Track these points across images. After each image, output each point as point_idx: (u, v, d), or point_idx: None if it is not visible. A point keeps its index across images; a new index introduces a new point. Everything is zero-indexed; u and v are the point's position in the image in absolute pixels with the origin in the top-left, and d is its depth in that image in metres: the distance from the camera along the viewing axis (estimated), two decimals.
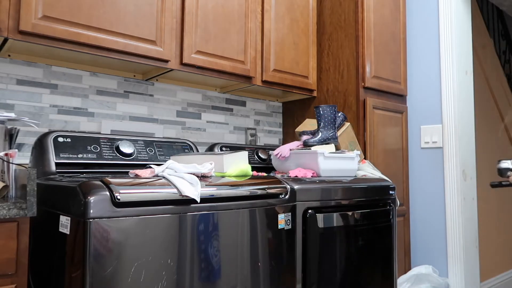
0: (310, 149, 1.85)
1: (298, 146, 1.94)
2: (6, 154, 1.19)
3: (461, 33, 2.50)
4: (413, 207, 2.55)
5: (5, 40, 1.50)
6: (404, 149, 2.49)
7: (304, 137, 1.99)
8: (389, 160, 2.37)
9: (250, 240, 1.35)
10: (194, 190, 1.21)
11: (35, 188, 1.09)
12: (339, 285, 1.62)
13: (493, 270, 3.26)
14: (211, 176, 1.40)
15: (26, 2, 1.44)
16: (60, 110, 1.83)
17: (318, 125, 1.96)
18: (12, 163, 1.19)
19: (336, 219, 1.63)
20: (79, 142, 1.63)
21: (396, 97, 2.51)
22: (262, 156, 2.22)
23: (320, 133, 1.93)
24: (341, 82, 2.36)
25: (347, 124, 2.12)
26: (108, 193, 1.07)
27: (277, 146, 2.21)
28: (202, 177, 1.35)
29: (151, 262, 1.12)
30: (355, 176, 1.91)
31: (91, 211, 1.03)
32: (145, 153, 1.79)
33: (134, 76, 2.04)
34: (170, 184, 1.20)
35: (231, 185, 1.35)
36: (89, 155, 1.62)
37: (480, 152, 3.19)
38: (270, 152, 2.11)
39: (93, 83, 1.92)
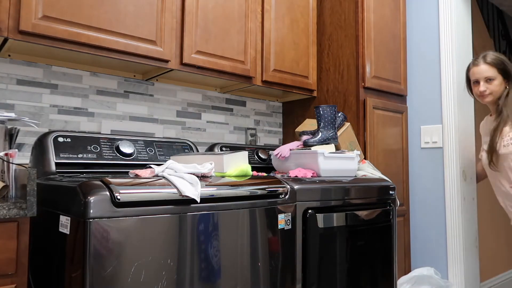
0: (310, 149, 1.85)
1: (298, 146, 1.94)
2: (6, 154, 1.19)
3: (461, 33, 2.50)
4: (413, 207, 2.55)
5: (5, 40, 1.50)
6: (404, 149, 2.49)
7: (304, 137, 1.99)
8: (389, 160, 2.37)
9: (250, 240, 1.35)
10: (194, 190, 1.21)
11: (35, 188, 1.09)
12: (339, 285, 1.62)
13: (493, 270, 3.26)
14: (211, 176, 1.40)
15: (26, 2, 1.44)
16: (60, 110, 1.83)
17: (318, 125, 1.96)
18: (12, 163, 1.19)
19: (336, 219, 1.63)
20: (79, 142, 1.63)
21: (396, 97, 2.51)
22: (262, 156, 2.22)
23: (320, 133, 1.93)
24: (341, 82, 2.35)
25: (347, 124, 2.12)
26: (108, 193, 1.07)
27: (277, 146, 2.21)
28: (202, 177, 1.35)
29: (151, 262, 1.12)
30: (355, 176, 1.91)
31: (91, 211, 1.03)
32: (145, 153, 1.79)
33: (134, 76, 2.04)
34: (170, 184, 1.20)
35: (231, 185, 1.35)
36: (89, 155, 1.63)
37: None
38: (270, 152, 2.11)
39: (93, 83, 1.92)
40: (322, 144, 1.91)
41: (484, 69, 1.94)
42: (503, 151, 1.88)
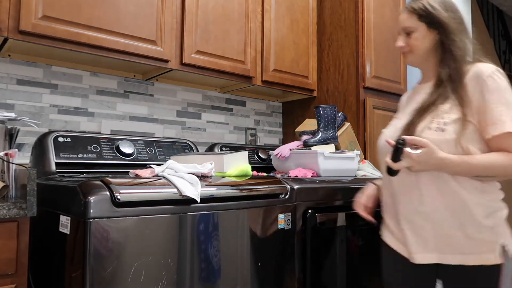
0: (310, 149, 1.85)
1: (298, 146, 1.94)
2: (6, 154, 1.19)
3: None
4: None
5: (5, 40, 1.50)
6: None
7: (304, 137, 1.99)
8: None
9: (250, 240, 1.35)
10: (194, 190, 1.21)
11: (35, 188, 1.09)
12: (339, 285, 1.62)
13: None
14: (211, 176, 1.40)
15: (26, 2, 1.44)
16: (60, 110, 1.83)
17: (318, 125, 1.96)
18: (12, 163, 1.19)
19: (336, 219, 1.62)
20: (79, 142, 1.63)
21: (396, 97, 2.51)
22: (262, 156, 2.22)
23: (320, 133, 1.93)
24: (341, 82, 2.35)
25: (347, 124, 2.12)
26: (108, 193, 1.07)
27: (277, 146, 2.21)
28: (202, 177, 1.35)
29: (151, 262, 1.12)
30: (355, 176, 1.91)
31: (91, 211, 1.03)
32: (145, 153, 1.79)
33: (134, 76, 2.04)
34: (170, 184, 1.20)
35: (231, 185, 1.35)
36: (89, 155, 1.62)
37: None
38: (270, 152, 2.11)
39: (93, 83, 1.92)
40: (322, 144, 1.91)
41: (401, 19, 1.34)
42: (426, 136, 1.15)
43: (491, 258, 1.11)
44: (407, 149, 1.11)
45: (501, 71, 1.18)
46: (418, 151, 1.11)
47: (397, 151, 1.13)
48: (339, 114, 2.09)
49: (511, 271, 1.12)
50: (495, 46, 3.85)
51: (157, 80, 2.10)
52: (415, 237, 1.19)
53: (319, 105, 2.01)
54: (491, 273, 1.11)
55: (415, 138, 1.11)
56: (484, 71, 1.16)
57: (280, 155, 1.91)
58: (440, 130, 1.16)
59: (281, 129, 2.70)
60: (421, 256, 1.17)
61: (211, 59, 1.95)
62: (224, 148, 2.13)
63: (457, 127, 1.14)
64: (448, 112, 1.17)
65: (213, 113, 2.36)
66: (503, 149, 1.12)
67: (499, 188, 1.20)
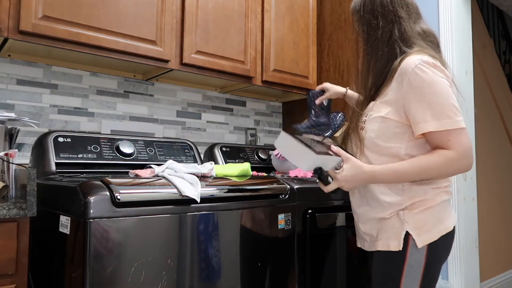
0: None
1: None
2: (6, 154, 1.19)
3: (461, 33, 2.50)
4: None
5: (5, 40, 1.50)
6: None
7: (295, 125, 1.81)
8: None
9: (250, 240, 1.35)
10: (194, 190, 1.21)
11: (35, 188, 1.09)
12: (339, 285, 1.62)
13: (493, 270, 3.26)
14: (211, 176, 1.40)
15: (26, 2, 1.44)
16: (60, 110, 1.83)
17: (309, 111, 1.81)
18: (12, 163, 1.19)
19: (336, 219, 1.62)
20: (79, 142, 1.63)
21: None
22: (262, 156, 2.22)
23: (311, 119, 1.73)
24: (341, 82, 2.35)
25: (348, 124, 2.11)
26: (108, 193, 1.07)
27: None
28: (202, 177, 1.35)
29: (151, 262, 1.12)
30: None
31: (91, 211, 1.03)
32: (145, 153, 1.79)
33: (134, 76, 2.04)
34: (170, 184, 1.20)
35: (231, 185, 1.35)
36: (89, 155, 1.62)
37: (480, 152, 3.19)
38: (270, 152, 2.11)
39: (93, 83, 1.92)
40: (314, 129, 1.77)
41: None
42: (352, 135, 1.29)
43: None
44: (331, 171, 1.12)
45: (429, 61, 1.10)
46: (340, 170, 1.12)
47: (320, 177, 1.13)
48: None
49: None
50: (495, 46, 3.85)
51: (157, 80, 2.10)
52: None
53: (310, 90, 1.85)
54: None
55: (340, 151, 1.13)
56: (407, 66, 1.11)
57: (280, 155, 1.91)
58: (360, 129, 1.19)
59: (281, 129, 2.70)
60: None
61: (211, 59, 1.95)
62: (224, 148, 2.13)
63: (374, 126, 1.15)
64: (372, 110, 1.19)
65: (213, 113, 2.36)
66: (436, 146, 1.09)
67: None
